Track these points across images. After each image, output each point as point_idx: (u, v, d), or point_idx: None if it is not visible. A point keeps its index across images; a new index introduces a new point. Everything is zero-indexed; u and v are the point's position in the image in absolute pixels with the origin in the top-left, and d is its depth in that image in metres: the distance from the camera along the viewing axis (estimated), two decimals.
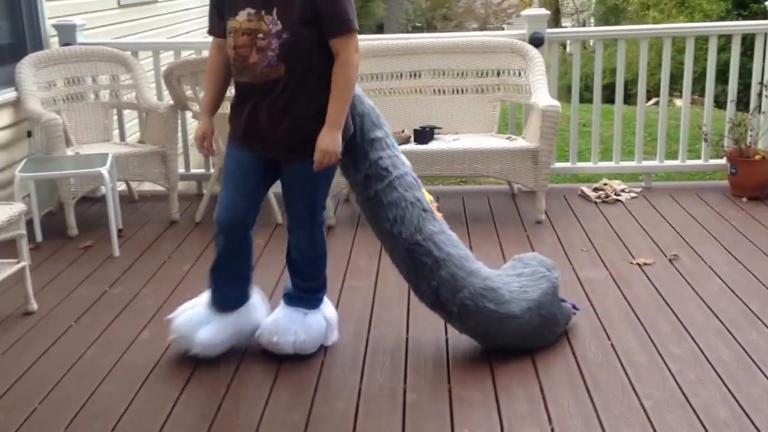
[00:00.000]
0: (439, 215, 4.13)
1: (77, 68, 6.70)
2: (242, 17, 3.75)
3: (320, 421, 3.59)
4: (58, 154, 5.96)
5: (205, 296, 4.27)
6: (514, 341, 4.09)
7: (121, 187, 6.75)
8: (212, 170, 6.59)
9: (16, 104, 6.33)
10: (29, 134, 6.46)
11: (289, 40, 3.71)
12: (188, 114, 6.74)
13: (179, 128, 6.60)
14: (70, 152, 6.16)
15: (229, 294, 4.24)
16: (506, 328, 4.03)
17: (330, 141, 3.78)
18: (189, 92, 6.15)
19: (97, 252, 5.73)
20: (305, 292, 4.28)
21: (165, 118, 6.28)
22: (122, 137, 7.14)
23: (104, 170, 5.57)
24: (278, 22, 3.70)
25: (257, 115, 3.87)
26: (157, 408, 3.74)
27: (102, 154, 5.92)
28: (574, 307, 4.38)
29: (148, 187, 7.01)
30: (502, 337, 4.07)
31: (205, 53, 6.80)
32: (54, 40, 6.89)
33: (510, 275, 4.24)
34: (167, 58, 7.12)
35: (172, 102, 6.35)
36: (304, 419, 3.61)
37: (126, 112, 7.22)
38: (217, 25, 3.94)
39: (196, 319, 4.18)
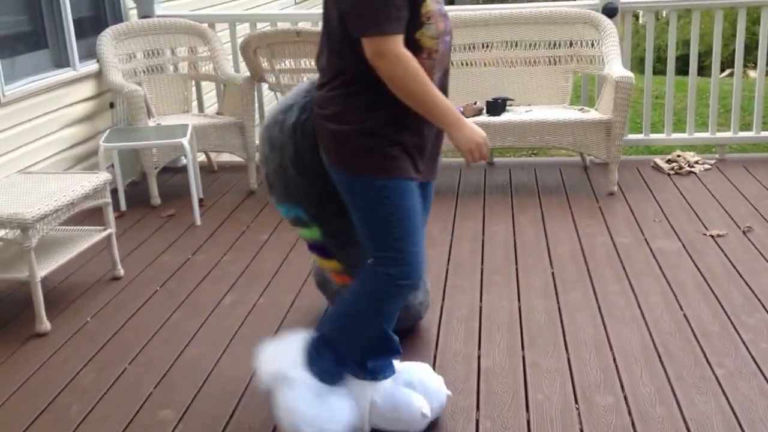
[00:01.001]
0: None
1: (156, 40, 6.85)
2: None
3: None
4: (140, 124, 6.12)
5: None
6: None
7: (201, 157, 6.89)
8: None
9: (98, 76, 6.49)
10: (112, 105, 6.62)
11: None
12: (264, 86, 6.85)
13: (256, 100, 6.71)
14: (151, 123, 6.33)
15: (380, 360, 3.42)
16: None
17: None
18: (265, 64, 6.25)
19: (179, 220, 5.89)
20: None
21: (242, 90, 6.40)
22: (201, 108, 7.29)
23: (185, 141, 5.72)
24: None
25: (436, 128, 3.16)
26: (241, 370, 3.86)
27: (182, 125, 6.06)
28: None
29: (226, 157, 7.15)
30: None
31: (282, 25, 6.98)
32: (133, 13, 7.04)
33: None
34: (243, 30, 7.24)
35: (248, 74, 6.47)
36: None
37: (204, 83, 7.35)
38: (405, 17, 2.92)
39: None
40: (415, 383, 3.40)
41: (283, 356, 3.32)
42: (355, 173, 3.07)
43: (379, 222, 3.09)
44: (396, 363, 3.46)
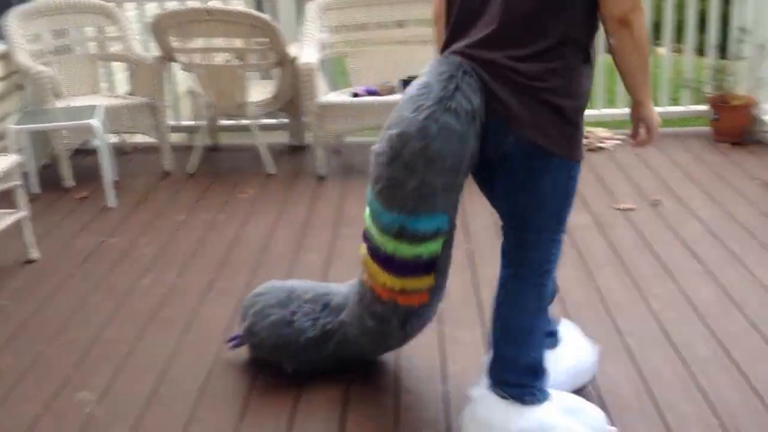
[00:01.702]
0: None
1: (63, 20, 6.73)
2: None
3: None
4: (48, 106, 6.03)
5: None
6: None
7: (114, 139, 6.82)
8: (203, 122, 6.65)
9: (5, 57, 6.37)
10: (20, 87, 6.51)
11: None
12: (176, 65, 6.80)
13: (168, 80, 6.66)
14: (61, 105, 6.23)
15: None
16: None
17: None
18: (176, 44, 6.20)
19: (93, 203, 5.83)
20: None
21: (153, 70, 6.34)
22: (112, 89, 7.20)
23: (95, 122, 5.64)
24: None
25: None
26: (159, 349, 3.87)
27: (92, 105, 5.99)
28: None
29: (139, 139, 7.09)
30: None
31: (192, 3, 6.92)
32: None
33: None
34: (153, 10, 7.15)
35: (159, 54, 6.41)
36: None
37: (115, 63, 7.25)
38: None
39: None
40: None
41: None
42: (563, 155, 2.86)
43: (557, 204, 2.95)
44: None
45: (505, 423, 2.99)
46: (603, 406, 3.30)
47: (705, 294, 4.20)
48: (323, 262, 4.75)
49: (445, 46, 2.95)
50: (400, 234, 2.98)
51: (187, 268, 4.75)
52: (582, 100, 2.85)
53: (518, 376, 3.03)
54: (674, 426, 3.18)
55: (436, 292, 3.24)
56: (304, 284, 3.73)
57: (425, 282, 3.15)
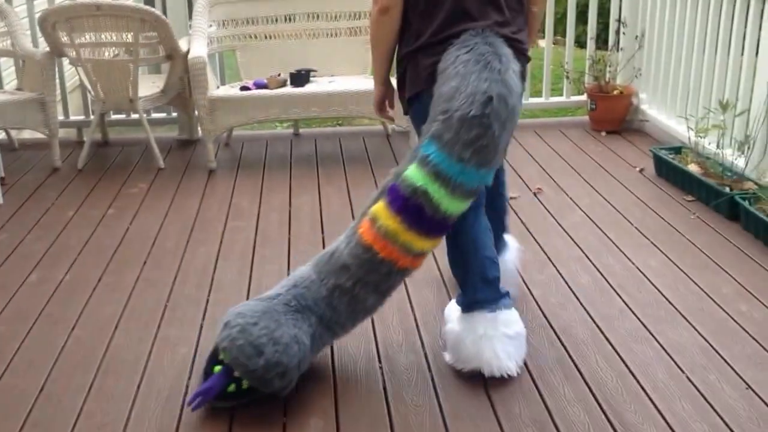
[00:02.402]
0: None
1: None
2: None
3: (205, 353, 3.75)
4: None
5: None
6: None
7: (1, 135, 6.74)
8: (92, 117, 6.63)
9: None
10: None
11: None
12: (65, 60, 6.75)
13: (57, 75, 6.60)
14: None
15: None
16: None
17: None
18: (65, 39, 6.15)
19: None
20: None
21: (42, 65, 6.28)
22: None
23: None
24: None
25: None
26: (48, 345, 3.86)
27: None
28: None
29: (28, 134, 7.01)
30: None
31: None
32: None
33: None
34: (41, 5, 7.08)
35: (48, 49, 6.36)
36: (191, 354, 3.79)
37: (2, 59, 7.16)
38: None
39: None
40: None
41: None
42: None
43: None
44: None
45: None
46: (485, 389, 3.42)
47: (584, 279, 4.35)
48: (214, 254, 4.79)
49: (437, 31, 3.32)
50: (473, 192, 3.28)
51: (76, 264, 4.73)
52: None
53: None
54: (555, 409, 3.29)
55: None
56: (259, 304, 3.45)
57: (434, 243, 3.39)
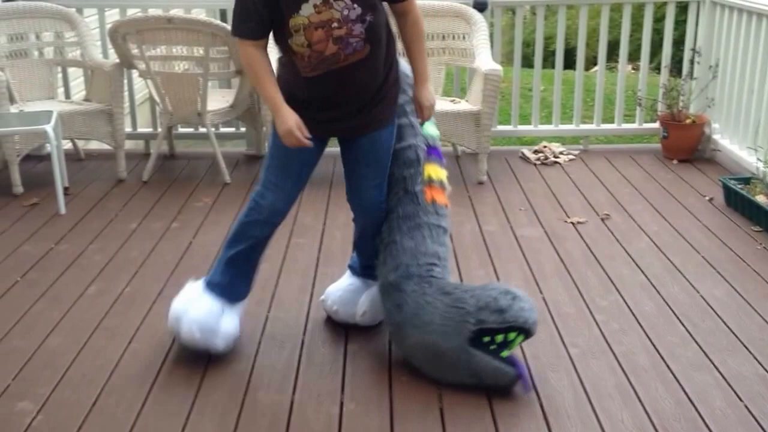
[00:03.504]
0: (440, 199, 3.87)
1: (20, 24, 6.68)
2: (308, 11, 3.37)
3: (263, 369, 3.72)
4: (1, 111, 5.97)
5: (199, 290, 3.90)
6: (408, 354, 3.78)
7: (68, 145, 6.79)
8: (159, 129, 6.64)
9: None
10: None
11: (374, 21, 3.45)
12: (134, 72, 6.78)
13: (125, 87, 6.62)
14: (14, 109, 6.20)
15: (245, 284, 3.95)
16: (400, 338, 3.79)
17: (432, 95, 3.80)
18: (135, 50, 6.18)
19: (42, 210, 5.77)
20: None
21: (111, 76, 6.31)
22: (67, 95, 7.15)
23: (49, 127, 5.61)
24: (355, 6, 3.39)
25: (337, 95, 3.60)
26: (104, 359, 3.84)
27: (47, 111, 5.95)
28: (521, 377, 3.53)
29: (94, 145, 7.05)
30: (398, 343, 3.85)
31: (153, 11, 6.91)
32: None
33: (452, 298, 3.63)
34: (113, 16, 7.14)
35: (118, 60, 6.39)
36: (248, 369, 3.75)
37: (71, 69, 7.22)
38: (264, 27, 3.49)
39: (214, 314, 3.82)
40: None
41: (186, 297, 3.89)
42: None
43: None
44: None
45: None
46: (543, 414, 3.35)
47: (648, 306, 4.27)
48: (276, 271, 4.75)
49: None
50: None
51: (137, 277, 4.72)
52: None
53: None
54: None
55: None
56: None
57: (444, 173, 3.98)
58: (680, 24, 7.18)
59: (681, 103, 6.75)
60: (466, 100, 6.52)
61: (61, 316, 4.26)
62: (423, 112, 3.78)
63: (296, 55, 3.48)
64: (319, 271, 4.76)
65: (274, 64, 3.68)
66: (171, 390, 3.60)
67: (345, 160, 3.88)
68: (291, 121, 3.53)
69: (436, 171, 3.89)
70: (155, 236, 5.28)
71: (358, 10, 3.39)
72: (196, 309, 3.79)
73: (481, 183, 6.21)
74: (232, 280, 3.87)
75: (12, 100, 6.35)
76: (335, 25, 3.38)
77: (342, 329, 4.06)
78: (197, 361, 3.81)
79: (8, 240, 5.26)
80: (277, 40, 3.55)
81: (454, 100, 6.57)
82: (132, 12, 7.06)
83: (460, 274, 4.65)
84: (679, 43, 7.20)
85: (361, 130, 3.71)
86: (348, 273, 4.21)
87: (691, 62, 6.86)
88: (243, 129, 7.10)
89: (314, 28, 3.39)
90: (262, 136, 6.85)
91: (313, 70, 3.50)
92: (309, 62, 3.48)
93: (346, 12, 3.38)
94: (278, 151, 3.74)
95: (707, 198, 5.83)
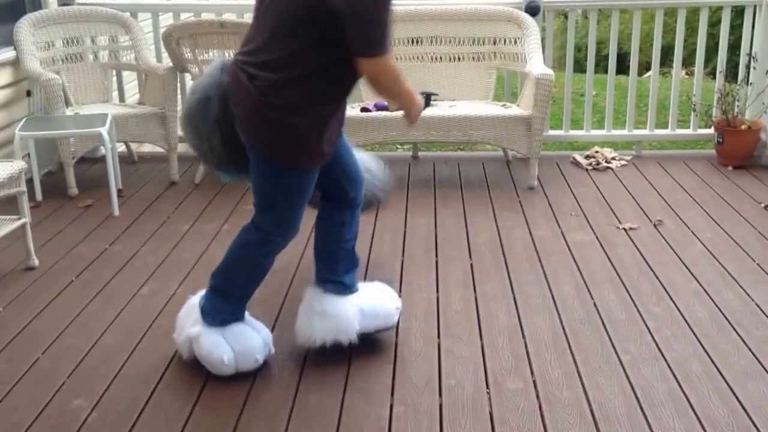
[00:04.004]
0: None
1: (76, 28, 6.77)
2: None
3: (312, 371, 3.74)
4: (57, 113, 6.05)
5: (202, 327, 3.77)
6: None
7: (121, 148, 6.85)
8: None
9: (15, 64, 6.39)
10: (29, 94, 6.53)
11: None
12: (187, 76, 6.83)
13: (178, 90, 6.68)
14: (69, 112, 6.27)
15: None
16: None
17: None
18: (188, 54, 6.23)
19: (97, 211, 5.83)
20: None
21: (164, 80, 6.37)
22: (121, 98, 7.24)
23: (104, 130, 5.67)
24: None
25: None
26: (157, 357, 3.88)
27: (101, 114, 6.02)
28: None
29: (147, 148, 7.12)
30: None
31: (206, 15, 6.97)
32: (52, 0, 6.94)
33: None
34: (166, 20, 7.21)
35: (171, 64, 6.45)
36: (298, 371, 3.76)
37: (125, 73, 7.30)
38: None
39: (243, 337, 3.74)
40: (377, 285, 4.11)
41: (186, 319, 3.83)
42: (283, 163, 3.52)
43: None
44: None
45: None
46: (594, 420, 3.33)
47: (701, 313, 4.22)
48: None
49: None
50: None
51: (189, 278, 4.76)
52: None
53: None
54: None
55: None
56: None
57: None
58: (736, 28, 7.11)
59: (736, 109, 6.67)
60: (518, 105, 6.50)
61: (114, 316, 4.31)
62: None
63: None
64: (369, 273, 4.77)
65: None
66: (222, 389, 3.62)
67: (339, 158, 3.79)
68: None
69: None
70: (207, 238, 5.32)
71: None
72: (200, 348, 3.71)
73: (531, 188, 6.19)
74: (230, 309, 3.80)
75: (67, 103, 6.42)
76: None
77: (391, 333, 4.05)
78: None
79: (63, 241, 5.32)
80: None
81: (505, 105, 6.55)
82: (185, 16, 7.11)
83: (510, 278, 4.64)
84: (734, 47, 7.13)
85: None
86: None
87: (747, 67, 6.77)
88: None
89: None
90: None
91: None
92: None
93: None
94: (299, 190, 3.59)
95: (762, 205, 5.76)
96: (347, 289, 3.89)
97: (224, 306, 3.76)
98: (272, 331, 4.05)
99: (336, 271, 3.89)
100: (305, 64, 3.32)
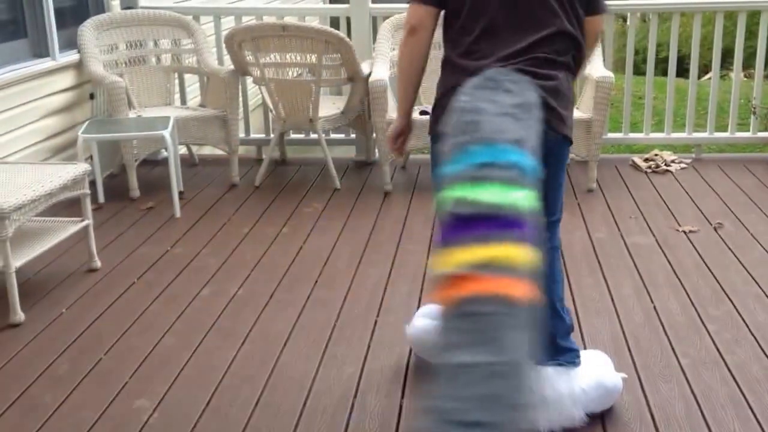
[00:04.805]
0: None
1: (139, 32, 6.86)
2: None
3: (372, 373, 3.76)
4: (120, 116, 6.13)
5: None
6: None
7: (182, 150, 6.93)
8: (272, 135, 6.74)
9: (79, 66, 6.49)
10: (92, 96, 6.61)
11: None
12: (249, 79, 6.89)
13: (240, 93, 6.74)
14: (132, 115, 6.36)
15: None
16: None
17: None
18: (249, 58, 6.28)
19: (158, 213, 5.90)
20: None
21: (226, 83, 6.43)
22: (183, 101, 7.31)
23: (166, 133, 5.74)
24: None
25: None
26: (218, 359, 3.92)
27: (164, 117, 6.09)
28: None
29: (208, 150, 7.19)
30: None
31: (267, 18, 7.02)
32: (116, 3, 7.05)
33: None
34: (228, 23, 7.28)
35: (233, 67, 6.51)
36: (357, 373, 3.79)
37: (187, 76, 7.37)
38: None
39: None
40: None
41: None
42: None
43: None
44: None
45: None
46: (654, 424, 3.32)
47: (761, 317, 4.19)
48: (384, 276, 4.79)
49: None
50: None
51: (249, 279, 4.80)
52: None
53: None
54: None
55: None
56: None
57: (515, 253, 2.40)
58: None
59: None
60: (577, 108, 6.47)
61: (176, 317, 4.36)
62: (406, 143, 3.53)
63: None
64: (427, 277, 4.78)
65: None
66: (283, 391, 3.65)
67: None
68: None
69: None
70: (267, 241, 5.36)
71: None
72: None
73: (590, 191, 6.16)
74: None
75: (130, 106, 6.51)
76: None
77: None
78: (308, 362, 3.87)
79: (126, 242, 5.39)
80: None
81: None
82: (247, 20, 7.17)
83: (569, 281, 4.63)
84: None
85: None
86: None
87: None
88: (353, 135, 7.16)
89: None
90: (372, 142, 6.90)
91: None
92: None
93: None
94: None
95: None
96: None
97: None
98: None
99: None
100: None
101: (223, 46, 6.57)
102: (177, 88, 7.23)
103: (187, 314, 4.40)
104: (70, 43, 6.52)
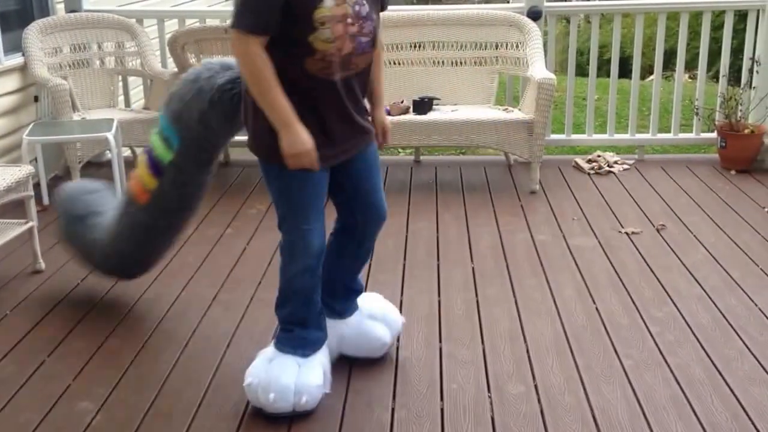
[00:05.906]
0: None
1: (83, 35, 6.82)
2: (330, 3, 3.12)
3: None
4: (64, 118, 6.09)
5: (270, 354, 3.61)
6: None
7: (126, 152, 6.88)
8: None
9: (24, 69, 6.45)
10: (36, 99, 6.56)
11: (376, 21, 3.31)
12: None
13: None
14: (76, 117, 6.31)
15: (321, 331, 3.68)
16: None
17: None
18: (193, 60, 6.26)
19: None
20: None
21: (169, 85, 6.37)
22: (127, 103, 7.26)
23: (110, 135, 5.71)
24: (365, 2, 3.24)
25: (345, 112, 3.36)
26: (162, 361, 3.91)
27: (108, 119, 6.06)
28: None
29: None
30: None
31: (210, 21, 7.00)
32: (60, 7, 7.00)
33: None
34: (172, 26, 7.24)
35: (176, 69, 6.48)
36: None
37: (131, 78, 7.33)
38: (276, 22, 3.11)
39: (288, 374, 3.49)
40: (378, 315, 3.88)
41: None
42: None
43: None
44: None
45: None
46: (596, 426, 3.34)
47: (704, 318, 4.23)
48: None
49: None
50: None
51: (192, 281, 4.79)
52: None
53: None
54: None
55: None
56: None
57: (151, 183, 4.04)
58: (739, 32, 7.12)
59: (739, 113, 6.68)
60: (519, 109, 6.52)
61: (120, 319, 4.34)
62: (387, 134, 3.66)
63: (316, 53, 3.16)
64: (371, 278, 4.79)
65: None
66: (226, 392, 3.63)
67: (352, 178, 3.55)
68: (309, 140, 3.23)
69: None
70: (210, 242, 5.35)
71: (367, 8, 3.22)
72: (269, 374, 3.48)
73: (533, 192, 6.20)
74: (299, 334, 3.59)
75: (74, 109, 6.46)
76: (349, 20, 3.16)
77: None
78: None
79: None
80: (286, 43, 3.17)
81: (506, 109, 6.58)
82: (190, 23, 7.14)
83: (511, 282, 4.66)
84: (737, 51, 7.15)
85: (367, 139, 3.53)
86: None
87: (750, 71, 6.79)
88: None
89: (336, 21, 3.13)
90: None
91: (330, 74, 3.20)
92: (325, 64, 3.18)
93: (357, 8, 3.18)
94: (299, 190, 3.47)
95: (766, 209, 5.77)
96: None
97: None
98: None
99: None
100: None
101: (167, 48, 6.53)
102: (121, 91, 7.19)
103: (130, 316, 4.38)
104: (14, 46, 6.47)
